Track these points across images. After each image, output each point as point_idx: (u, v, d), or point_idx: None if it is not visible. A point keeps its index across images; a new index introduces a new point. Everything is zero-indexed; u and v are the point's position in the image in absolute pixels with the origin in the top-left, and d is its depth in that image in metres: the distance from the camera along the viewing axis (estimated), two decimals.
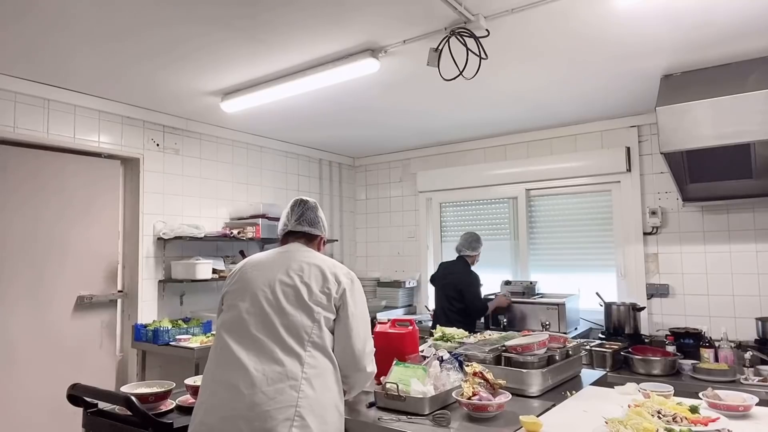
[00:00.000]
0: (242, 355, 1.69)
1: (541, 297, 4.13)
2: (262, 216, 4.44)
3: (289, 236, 2.08)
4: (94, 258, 3.69)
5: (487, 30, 2.51)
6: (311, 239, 2.10)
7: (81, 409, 2.06)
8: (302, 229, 2.07)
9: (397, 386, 1.87)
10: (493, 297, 4.21)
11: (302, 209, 2.12)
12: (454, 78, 2.71)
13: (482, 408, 1.80)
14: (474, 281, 4.10)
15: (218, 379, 1.70)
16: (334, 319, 1.81)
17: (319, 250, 2.13)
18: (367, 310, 1.91)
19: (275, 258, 1.95)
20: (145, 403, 1.90)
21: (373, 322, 3.51)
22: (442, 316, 4.04)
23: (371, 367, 1.84)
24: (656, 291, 4.05)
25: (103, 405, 2.04)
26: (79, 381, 2.10)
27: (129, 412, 1.86)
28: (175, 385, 2.12)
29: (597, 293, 3.93)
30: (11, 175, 3.32)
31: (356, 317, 1.83)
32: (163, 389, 2.05)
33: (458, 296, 4.02)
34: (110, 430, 1.98)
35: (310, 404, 1.64)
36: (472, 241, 4.25)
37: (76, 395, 1.99)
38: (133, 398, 1.82)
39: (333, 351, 1.78)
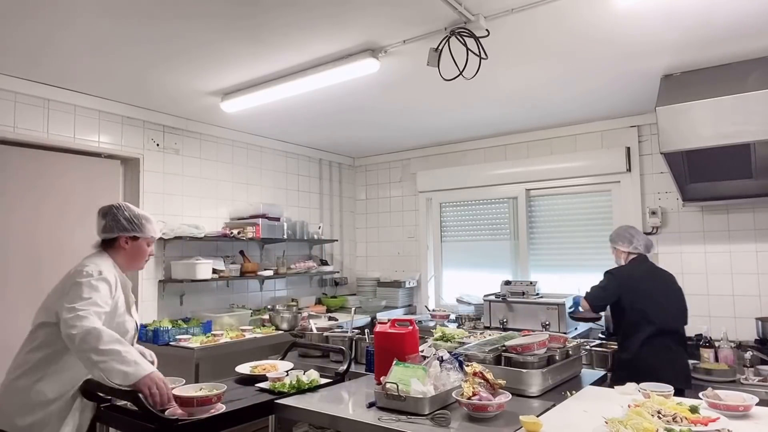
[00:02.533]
0: None
1: (541, 297, 4.12)
2: (262, 216, 4.44)
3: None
4: None
5: (487, 30, 2.51)
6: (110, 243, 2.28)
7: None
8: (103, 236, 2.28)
9: (397, 386, 1.87)
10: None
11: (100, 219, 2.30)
12: (454, 78, 2.71)
13: (482, 408, 1.79)
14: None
15: None
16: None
17: (122, 248, 2.28)
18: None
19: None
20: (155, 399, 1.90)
21: (373, 322, 3.52)
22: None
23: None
24: None
25: (116, 400, 2.03)
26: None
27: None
28: (185, 381, 2.12)
29: None
30: (11, 175, 3.31)
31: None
32: (172, 386, 2.04)
33: None
34: (122, 424, 1.98)
35: None
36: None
37: (90, 390, 1.99)
38: (139, 394, 1.81)
39: None
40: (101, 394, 2.00)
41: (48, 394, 1.97)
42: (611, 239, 3.25)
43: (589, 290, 3.13)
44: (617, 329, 3.12)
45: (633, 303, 2.95)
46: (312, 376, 2.33)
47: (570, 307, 3.78)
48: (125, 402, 1.95)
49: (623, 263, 3.16)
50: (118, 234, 2.25)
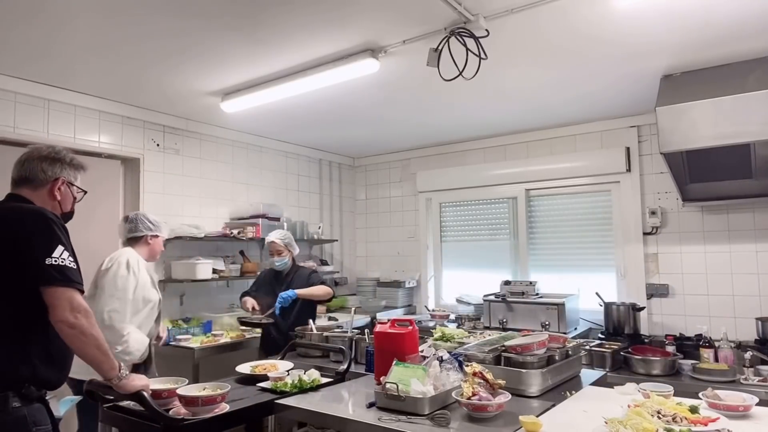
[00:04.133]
0: None
1: (541, 297, 4.12)
2: (262, 216, 4.44)
3: None
4: (94, 258, 3.68)
5: (486, 30, 2.51)
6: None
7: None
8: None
9: (397, 386, 1.87)
10: None
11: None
12: (454, 78, 2.71)
13: (482, 408, 1.80)
14: None
15: None
16: None
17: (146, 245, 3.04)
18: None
19: None
20: (158, 399, 1.89)
21: (373, 322, 3.52)
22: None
23: None
24: (656, 291, 4.05)
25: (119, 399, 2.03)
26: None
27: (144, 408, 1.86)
28: (187, 381, 2.12)
29: (597, 293, 3.93)
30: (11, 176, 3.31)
31: None
32: (176, 385, 2.04)
33: None
34: (126, 425, 1.98)
35: None
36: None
37: (93, 390, 1.99)
38: (144, 393, 1.81)
39: None
40: (103, 395, 2.00)
41: None
42: (287, 244, 3.65)
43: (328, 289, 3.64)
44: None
45: None
46: (313, 375, 2.33)
47: (280, 306, 3.45)
48: (128, 402, 1.95)
49: (289, 263, 3.70)
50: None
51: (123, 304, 2.72)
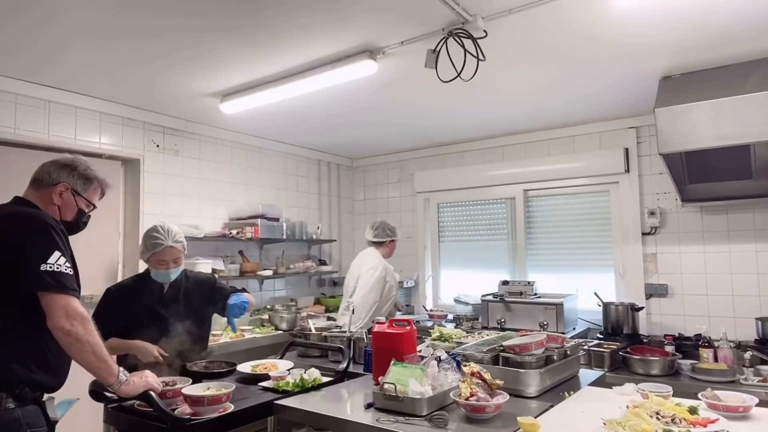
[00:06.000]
0: None
1: (539, 297, 4.12)
2: (261, 216, 4.44)
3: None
4: (95, 258, 3.69)
5: (484, 31, 2.50)
6: None
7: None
8: None
9: (395, 386, 1.87)
10: None
11: None
12: (452, 80, 2.71)
13: (480, 409, 1.79)
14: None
15: None
16: None
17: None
18: None
19: None
20: (163, 399, 1.90)
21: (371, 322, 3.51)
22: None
23: None
24: (655, 291, 4.05)
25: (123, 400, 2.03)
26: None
27: (148, 408, 1.86)
28: (191, 381, 2.12)
29: (595, 293, 3.93)
30: (12, 176, 3.30)
31: None
32: (179, 386, 2.04)
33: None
34: (130, 425, 1.98)
35: None
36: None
37: (97, 390, 1.99)
38: (152, 393, 1.82)
39: None
40: (108, 394, 2.00)
41: None
42: (185, 245, 2.62)
43: None
44: None
45: None
46: (314, 374, 2.34)
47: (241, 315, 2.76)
48: (132, 402, 1.95)
49: None
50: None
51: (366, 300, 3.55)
